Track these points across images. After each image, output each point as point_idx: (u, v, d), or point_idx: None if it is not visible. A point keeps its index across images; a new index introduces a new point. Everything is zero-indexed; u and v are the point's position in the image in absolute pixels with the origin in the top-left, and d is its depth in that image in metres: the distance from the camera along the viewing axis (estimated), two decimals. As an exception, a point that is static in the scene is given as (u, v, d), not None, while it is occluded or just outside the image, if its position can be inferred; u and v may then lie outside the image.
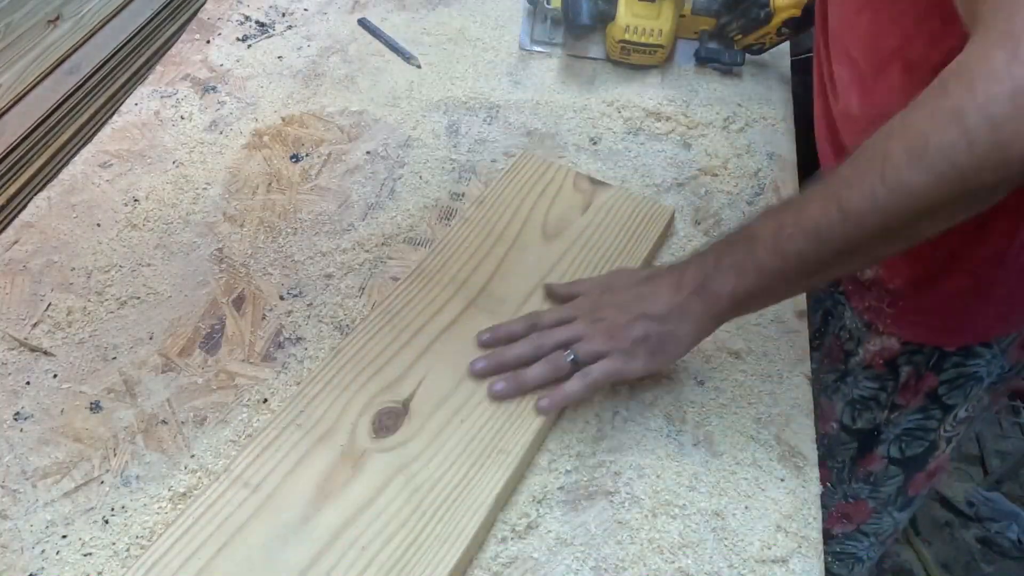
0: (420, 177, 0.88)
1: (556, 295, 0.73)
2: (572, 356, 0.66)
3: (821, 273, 0.59)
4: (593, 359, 0.66)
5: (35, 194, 0.83)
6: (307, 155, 0.90)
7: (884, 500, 0.97)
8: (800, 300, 0.79)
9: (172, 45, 1.03)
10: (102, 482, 0.62)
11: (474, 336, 0.70)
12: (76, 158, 0.87)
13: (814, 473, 0.66)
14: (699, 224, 0.86)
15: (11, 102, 0.87)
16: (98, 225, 0.80)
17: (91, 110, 0.96)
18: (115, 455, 0.64)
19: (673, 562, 0.60)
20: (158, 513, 0.60)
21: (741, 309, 0.64)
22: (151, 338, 0.71)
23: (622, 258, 0.79)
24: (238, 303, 0.75)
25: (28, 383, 0.68)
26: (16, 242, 0.78)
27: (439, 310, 0.73)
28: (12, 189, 0.86)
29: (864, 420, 0.90)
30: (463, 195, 0.87)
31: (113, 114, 0.93)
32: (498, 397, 0.66)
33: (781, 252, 0.58)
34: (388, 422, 0.64)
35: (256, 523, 0.58)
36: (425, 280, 0.75)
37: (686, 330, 0.64)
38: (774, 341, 0.76)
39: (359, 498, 0.60)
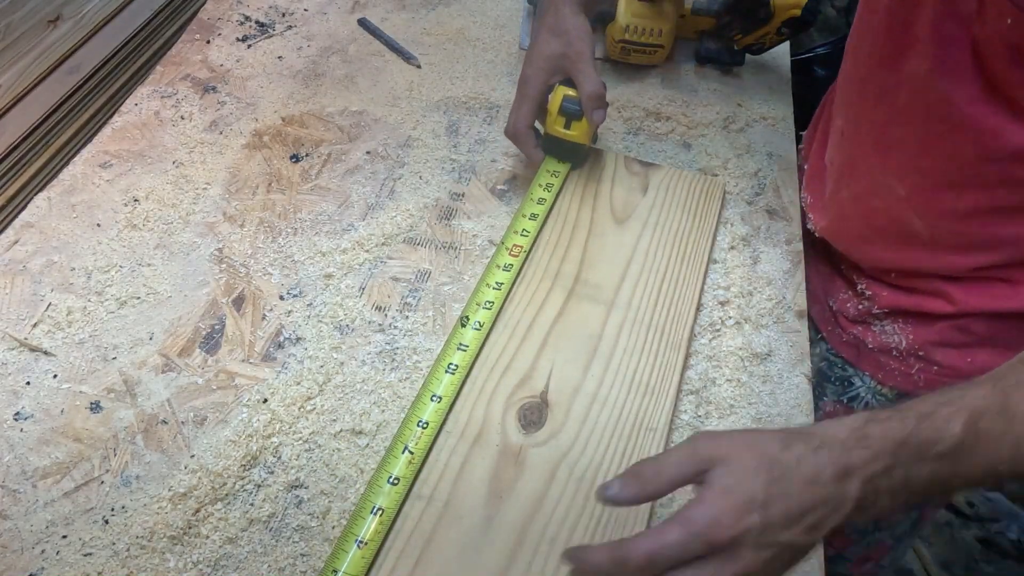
0: (420, 177, 0.88)
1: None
2: None
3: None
4: None
5: (35, 194, 0.83)
6: (307, 155, 0.90)
7: (901, 535, 0.96)
8: (800, 300, 0.80)
9: (172, 45, 1.03)
10: (102, 482, 0.62)
11: (585, 325, 0.72)
12: (76, 158, 0.87)
13: (814, 473, 0.66)
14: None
15: (11, 102, 0.87)
16: (98, 225, 0.80)
17: (91, 110, 0.95)
18: (115, 455, 0.64)
19: (673, 562, 0.60)
20: (158, 513, 0.60)
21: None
22: (151, 338, 0.71)
23: (693, 235, 0.81)
24: (238, 303, 0.75)
25: (28, 383, 0.68)
26: (16, 242, 0.78)
27: (543, 303, 0.74)
28: (12, 189, 0.86)
29: None
30: (463, 195, 0.87)
31: (113, 114, 0.92)
32: None
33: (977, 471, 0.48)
34: (532, 416, 0.66)
35: (442, 532, 0.59)
36: (520, 275, 0.76)
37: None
38: (774, 341, 0.76)
39: (532, 493, 0.61)
